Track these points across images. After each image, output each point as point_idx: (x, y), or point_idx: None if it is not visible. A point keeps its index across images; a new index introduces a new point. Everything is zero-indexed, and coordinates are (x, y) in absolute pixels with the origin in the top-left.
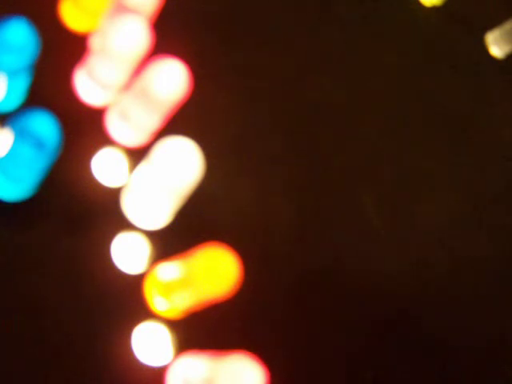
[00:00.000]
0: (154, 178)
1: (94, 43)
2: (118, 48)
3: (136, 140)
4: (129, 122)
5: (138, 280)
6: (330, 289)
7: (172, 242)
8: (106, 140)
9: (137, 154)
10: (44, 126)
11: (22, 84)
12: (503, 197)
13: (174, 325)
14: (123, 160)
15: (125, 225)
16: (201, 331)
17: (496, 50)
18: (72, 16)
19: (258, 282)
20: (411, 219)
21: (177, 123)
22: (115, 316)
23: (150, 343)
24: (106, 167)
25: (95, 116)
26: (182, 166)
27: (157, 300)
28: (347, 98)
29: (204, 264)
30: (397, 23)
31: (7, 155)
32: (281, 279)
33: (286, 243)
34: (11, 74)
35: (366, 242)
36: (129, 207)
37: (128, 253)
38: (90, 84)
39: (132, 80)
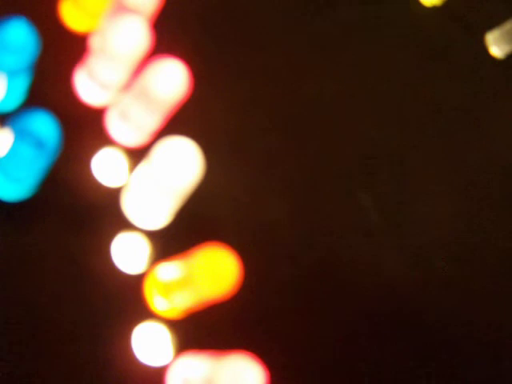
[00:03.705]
0: (154, 178)
1: (94, 43)
2: (118, 48)
3: (136, 140)
4: (129, 122)
5: (138, 280)
6: (331, 288)
7: (172, 242)
8: (106, 140)
9: (137, 154)
10: (44, 126)
11: (22, 84)
12: (502, 195)
13: (174, 325)
14: (123, 160)
15: (125, 225)
16: (201, 331)
17: (496, 49)
18: (72, 16)
19: (257, 282)
20: (410, 217)
21: (177, 123)
22: (115, 316)
23: (150, 343)
24: (106, 167)
25: (95, 116)
26: (182, 165)
27: (157, 300)
28: (346, 97)
29: (204, 264)
30: (397, 23)
31: (7, 155)
32: (280, 279)
33: (286, 243)
34: (11, 74)
35: (366, 240)
36: (129, 207)
37: (128, 253)
38: (89, 84)
39: (132, 80)
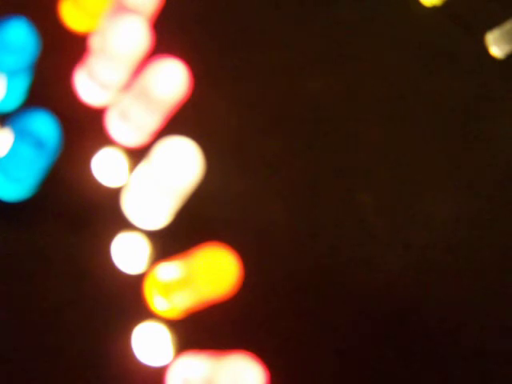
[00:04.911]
0: (154, 178)
1: (94, 43)
2: (118, 48)
3: (136, 140)
4: (129, 122)
5: (138, 280)
6: (331, 289)
7: (172, 242)
8: (106, 140)
9: (137, 154)
10: (44, 126)
11: (22, 84)
12: (503, 195)
13: (174, 325)
14: (123, 160)
15: (125, 225)
16: (201, 331)
17: (496, 49)
18: (72, 16)
19: (257, 282)
20: (410, 217)
21: (177, 123)
22: (115, 316)
23: (150, 343)
24: (106, 167)
25: (95, 116)
26: (181, 165)
27: (157, 300)
28: (346, 97)
29: (204, 264)
30: (397, 23)
31: (7, 155)
32: (280, 279)
33: (286, 243)
34: (11, 74)
35: (366, 241)
36: (129, 207)
37: (128, 253)
38: (90, 84)
39: (132, 80)
